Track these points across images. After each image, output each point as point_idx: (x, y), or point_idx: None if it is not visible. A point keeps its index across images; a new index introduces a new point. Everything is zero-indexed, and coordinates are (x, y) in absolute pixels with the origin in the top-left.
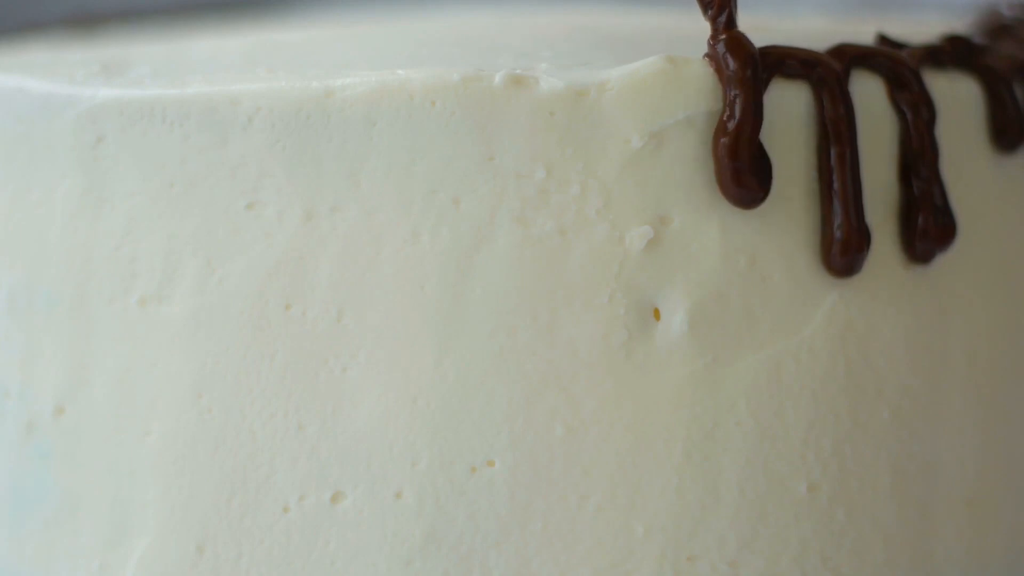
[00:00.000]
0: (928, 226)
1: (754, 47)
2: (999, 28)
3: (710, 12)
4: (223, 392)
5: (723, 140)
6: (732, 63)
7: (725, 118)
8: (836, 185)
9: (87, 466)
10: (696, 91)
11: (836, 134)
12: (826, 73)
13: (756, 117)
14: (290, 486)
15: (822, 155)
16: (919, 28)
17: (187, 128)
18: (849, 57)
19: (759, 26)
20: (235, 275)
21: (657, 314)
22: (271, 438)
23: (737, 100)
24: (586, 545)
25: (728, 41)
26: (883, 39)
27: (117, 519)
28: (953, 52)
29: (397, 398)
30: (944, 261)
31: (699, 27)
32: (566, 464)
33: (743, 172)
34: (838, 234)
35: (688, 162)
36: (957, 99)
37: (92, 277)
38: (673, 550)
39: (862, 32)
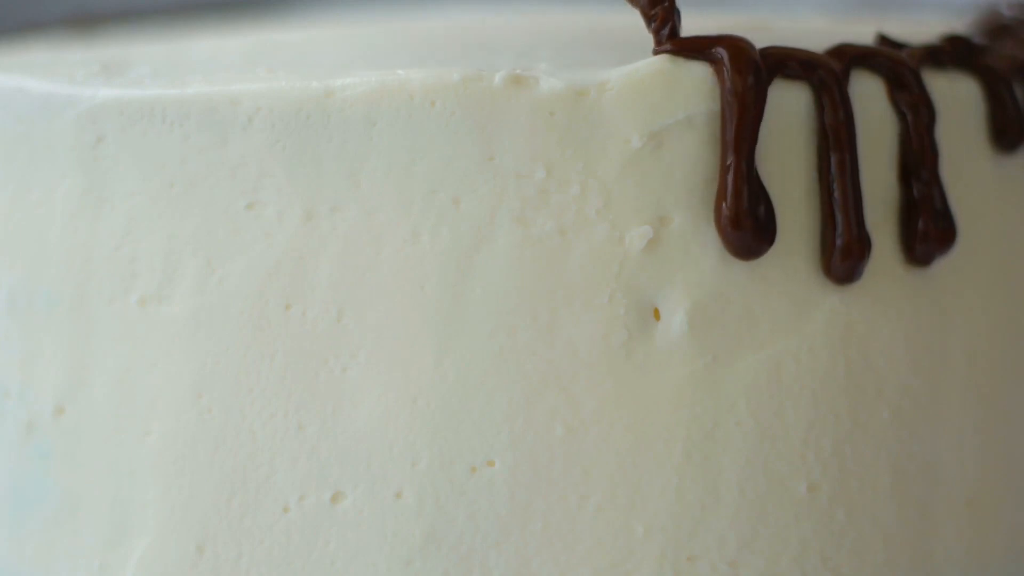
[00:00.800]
0: (928, 229)
1: (757, 56)
2: (999, 28)
3: (653, 25)
4: (223, 392)
5: (724, 209)
6: (733, 75)
7: (723, 166)
8: (836, 193)
9: (87, 466)
10: (696, 91)
11: (836, 140)
12: (827, 76)
13: (750, 171)
14: (290, 486)
15: (822, 159)
16: (919, 28)
17: (187, 128)
18: (849, 57)
19: (759, 26)
20: (235, 275)
21: (657, 314)
22: (271, 438)
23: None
24: (586, 545)
25: (730, 52)
26: (883, 39)
27: (117, 519)
28: (953, 52)
29: (397, 398)
30: (944, 262)
31: (699, 27)
32: (566, 464)
33: (747, 239)
34: (839, 242)
35: (688, 162)
36: (957, 99)
37: (92, 277)
38: (673, 550)
39: (862, 32)
